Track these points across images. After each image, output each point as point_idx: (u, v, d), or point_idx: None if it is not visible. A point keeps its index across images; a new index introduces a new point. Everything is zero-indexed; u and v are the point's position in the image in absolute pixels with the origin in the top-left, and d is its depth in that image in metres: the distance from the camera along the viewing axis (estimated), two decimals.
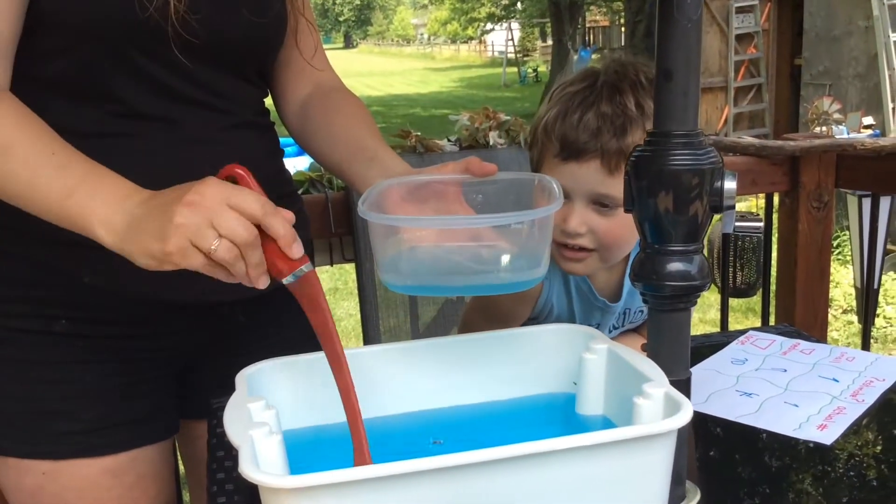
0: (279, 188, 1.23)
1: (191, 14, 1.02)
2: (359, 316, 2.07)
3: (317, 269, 1.41)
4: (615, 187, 1.16)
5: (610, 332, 1.36)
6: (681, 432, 0.72)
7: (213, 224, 0.79)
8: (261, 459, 0.70)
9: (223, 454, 1.03)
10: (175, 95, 1.08)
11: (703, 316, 4.54)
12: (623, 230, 1.19)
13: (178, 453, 1.38)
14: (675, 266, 0.79)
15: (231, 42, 1.10)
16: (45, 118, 0.97)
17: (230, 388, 0.81)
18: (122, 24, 1.01)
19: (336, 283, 5.36)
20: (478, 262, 0.91)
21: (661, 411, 0.75)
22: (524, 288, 0.90)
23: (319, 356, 0.90)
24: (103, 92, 1.05)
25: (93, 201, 0.89)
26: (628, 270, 1.31)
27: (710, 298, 4.32)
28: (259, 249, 0.81)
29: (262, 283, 0.83)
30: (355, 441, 0.78)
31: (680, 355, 0.83)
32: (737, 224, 2.25)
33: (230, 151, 1.13)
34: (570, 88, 1.23)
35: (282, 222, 0.81)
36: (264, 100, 1.26)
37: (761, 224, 2.23)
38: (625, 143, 1.17)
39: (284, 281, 0.81)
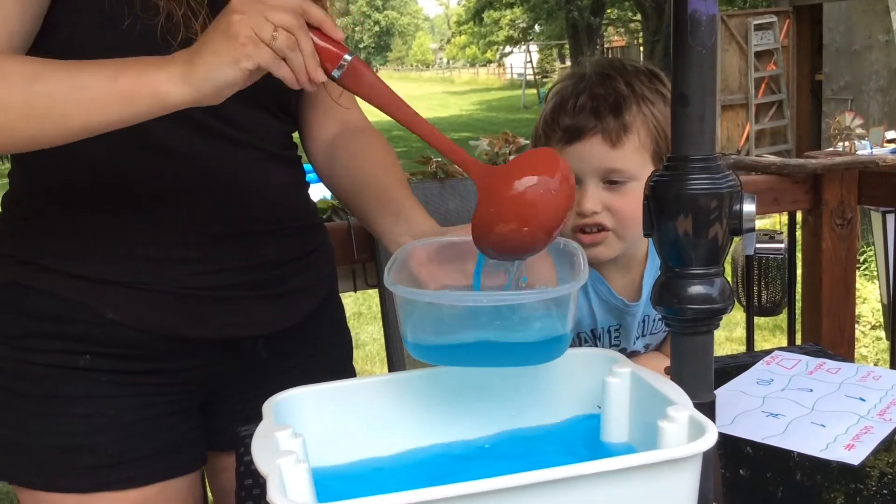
0: (305, 220, 1.25)
1: None
2: (383, 340, 2.08)
3: (340, 294, 1.43)
4: (621, 160, 1.24)
5: (634, 342, 1.36)
6: (706, 455, 0.72)
7: (266, 18, 0.86)
8: (288, 488, 0.71)
9: (251, 482, 1.04)
10: (200, 129, 1.09)
11: (730, 334, 4.50)
12: (636, 204, 1.22)
13: (207, 484, 1.39)
14: (696, 289, 0.80)
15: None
16: (66, 153, 0.97)
17: (255, 419, 0.82)
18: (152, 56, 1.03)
19: (360, 308, 5.38)
20: (502, 318, 0.90)
21: (685, 435, 0.75)
22: (551, 355, 0.89)
23: (346, 384, 0.91)
24: (128, 126, 1.06)
25: (142, 67, 0.91)
26: (646, 271, 1.33)
27: (736, 317, 4.28)
28: (309, 37, 0.88)
29: (319, 75, 0.89)
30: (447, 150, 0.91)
31: (704, 378, 0.83)
32: (758, 246, 2.23)
33: (255, 186, 1.15)
34: (562, 84, 1.32)
35: (318, 9, 0.89)
36: (291, 134, 1.27)
37: (782, 245, 2.21)
38: (622, 120, 1.24)
39: (336, 73, 0.89)
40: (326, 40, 0.89)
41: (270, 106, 1.18)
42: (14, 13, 0.98)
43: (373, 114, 1.39)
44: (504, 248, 0.88)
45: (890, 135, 7.13)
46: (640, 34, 20.78)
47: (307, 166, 1.30)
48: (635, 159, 1.24)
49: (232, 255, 1.14)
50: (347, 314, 1.42)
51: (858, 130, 6.27)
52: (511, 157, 2.15)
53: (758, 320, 2.80)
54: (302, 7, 0.87)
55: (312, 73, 0.88)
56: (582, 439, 0.92)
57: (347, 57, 0.89)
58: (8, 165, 1.19)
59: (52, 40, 1.02)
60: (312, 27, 0.89)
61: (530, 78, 27.41)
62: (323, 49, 0.89)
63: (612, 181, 1.24)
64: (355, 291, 2.11)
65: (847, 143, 6.03)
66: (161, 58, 0.92)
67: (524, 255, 0.89)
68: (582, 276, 0.88)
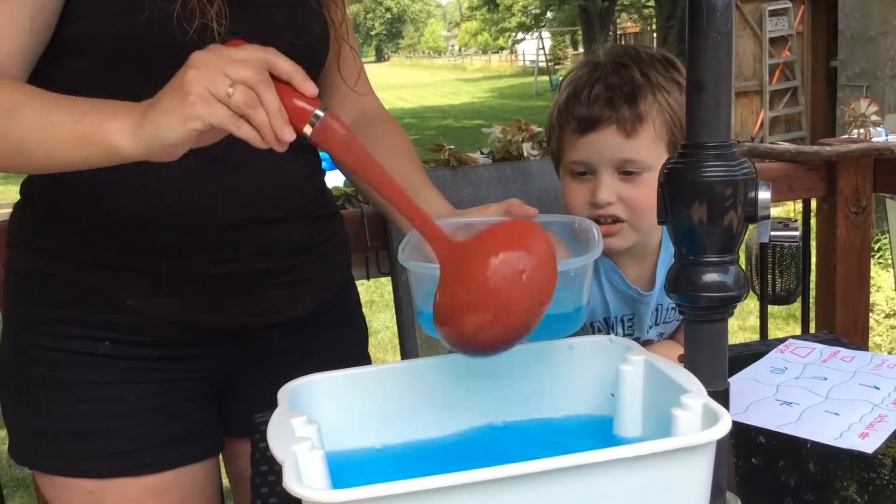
0: (320, 209, 1.25)
1: (230, 35, 1.04)
2: (395, 328, 2.09)
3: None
4: (636, 150, 1.23)
5: (647, 331, 1.36)
6: (720, 443, 0.72)
7: (224, 73, 0.79)
8: (303, 474, 0.71)
9: (266, 469, 1.05)
10: None
11: (743, 323, 4.49)
12: (651, 194, 1.21)
13: (224, 470, 1.40)
14: (711, 277, 0.79)
15: None
16: None
17: (271, 406, 0.83)
18: (161, 47, 1.03)
19: (372, 296, 5.39)
20: None
21: (699, 422, 0.75)
22: (564, 330, 0.90)
23: (360, 371, 0.91)
24: None
25: (105, 114, 0.88)
26: (660, 260, 1.33)
27: (749, 305, 4.27)
28: (274, 92, 0.80)
29: (287, 133, 0.81)
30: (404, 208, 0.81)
31: (718, 366, 0.83)
32: (773, 233, 2.22)
33: (270, 173, 1.15)
34: (576, 73, 1.31)
35: (287, 61, 0.80)
36: None
37: (797, 233, 2.20)
38: (637, 109, 1.22)
39: (307, 131, 0.80)
40: (297, 95, 0.81)
41: None
42: (20, 38, 0.99)
43: (385, 101, 1.40)
44: (472, 342, 0.77)
45: None
46: (654, 20, 20.65)
47: (322, 154, 1.31)
48: (650, 149, 1.23)
49: (248, 243, 1.14)
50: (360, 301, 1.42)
51: (874, 117, 6.21)
52: (524, 144, 2.14)
53: (771, 309, 2.79)
54: (266, 60, 0.80)
55: (279, 131, 0.81)
56: (595, 428, 0.92)
57: (319, 112, 0.80)
58: None
59: (66, 30, 1.03)
60: (282, 81, 0.81)
61: (542, 65, 27.27)
62: (291, 105, 0.81)
63: (626, 171, 1.24)
64: (368, 279, 2.11)
65: (862, 130, 5.98)
66: (126, 106, 0.88)
67: (492, 353, 0.78)
68: (596, 249, 0.88)
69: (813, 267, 2.32)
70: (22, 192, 1.18)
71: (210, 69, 0.80)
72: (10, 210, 1.21)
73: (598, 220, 1.25)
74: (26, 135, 0.92)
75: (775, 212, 4.98)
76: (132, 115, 0.86)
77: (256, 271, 1.15)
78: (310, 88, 0.81)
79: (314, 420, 0.80)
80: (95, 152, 0.89)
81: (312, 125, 0.80)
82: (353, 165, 0.81)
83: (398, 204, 0.81)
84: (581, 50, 26.73)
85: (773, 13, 10.39)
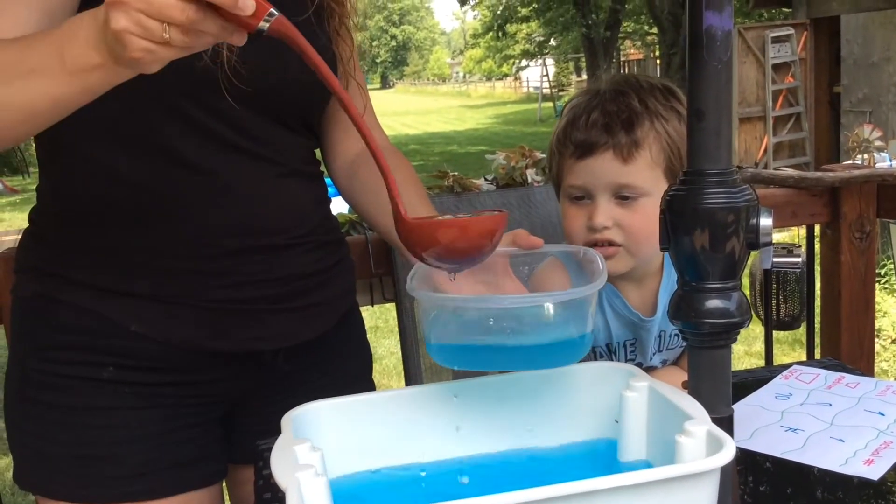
0: (326, 235, 1.26)
1: (241, 63, 1.06)
2: (400, 354, 2.09)
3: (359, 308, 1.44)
4: (632, 175, 1.24)
5: (651, 357, 1.36)
6: (724, 470, 0.72)
7: (150, 15, 0.75)
8: (306, 501, 0.71)
9: (269, 496, 1.04)
10: (222, 143, 1.10)
11: (749, 348, 4.47)
12: (647, 220, 1.22)
13: (227, 496, 1.39)
14: (714, 303, 0.80)
15: (279, 92, 1.14)
16: (93, 167, 0.99)
17: (275, 432, 0.83)
18: (175, 71, 1.04)
19: (377, 322, 5.38)
20: (521, 321, 0.91)
21: (703, 449, 0.75)
22: (570, 358, 0.90)
23: (364, 397, 0.92)
24: (153, 140, 1.08)
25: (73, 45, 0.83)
26: (661, 285, 1.33)
27: (755, 331, 4.26)
28: (210, 19, 0.76)
29: (237, 39, 0.79)
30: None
31: (721, 392, 0.83)
32: (776, 259, 2.22)
33: (277, 201, 1.16)
34: (576, 100, 1.33)
35: None
36: (314, 150, 1.28)
37: (799, 259, 2.20)
38: (634, 136, 1.24)
39: (259, 28, 0.78)
40: None
41: (292, 122, 1.19)
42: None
43: (389, 128, 1.41)
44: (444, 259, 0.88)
45: None
46: (657, 47, 20.78)
47: (327, 180, 1.32)
48: (647, 175, 1.24)
49: (254, 268, 1.15)
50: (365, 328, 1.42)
51: (877, 143, 6.22)
52: (528, 171, 2.16)
53: (777, 334, 2.78)
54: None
55: (231, 40, 0.79)
56: (599, 454, 0.92)
57: (265, 22, 0.77)
58: (35, 180, 1.21)
59: None
60: None
61: (546, 91, 27.41)
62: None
63: (623, 196, 1.25)
64: (372, 305, 2.12)
65: (866, 156, 5.99)
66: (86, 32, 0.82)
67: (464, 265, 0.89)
68: (600, 279, 0.89)
69: (818, 292, 2.32)
70: (30, 218, 1.19)
71: (134, 14, 0.75)
72: (16, 237, 1.22)
73: (594, 245, 1.26)
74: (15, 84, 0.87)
75: (780, 237, 4.98)
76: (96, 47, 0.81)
77: (263, 297, 1.16)
78: (247, 7, 0.76)
79: (317, 447, 0.80)
80: (95, 83, 0.85)
81: (265, 24, 0.78)
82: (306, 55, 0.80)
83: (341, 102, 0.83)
84: (585, 76, 26.86)
85: (776, 40, 10.44)
